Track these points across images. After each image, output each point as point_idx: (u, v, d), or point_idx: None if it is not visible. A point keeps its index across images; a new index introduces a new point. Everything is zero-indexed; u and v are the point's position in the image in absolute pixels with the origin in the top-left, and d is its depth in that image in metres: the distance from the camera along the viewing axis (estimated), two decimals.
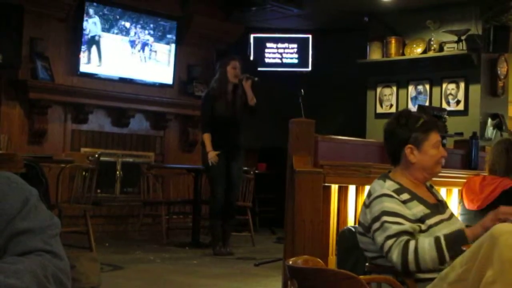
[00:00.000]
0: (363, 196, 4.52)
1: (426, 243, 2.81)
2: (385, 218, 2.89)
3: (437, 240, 2.81)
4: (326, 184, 4.42)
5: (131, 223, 8.99)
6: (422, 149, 3.04)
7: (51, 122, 8.46)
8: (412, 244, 2.81)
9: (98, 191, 8.54)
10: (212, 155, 7.28)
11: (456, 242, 2.80)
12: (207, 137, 7.34)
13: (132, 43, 9.20)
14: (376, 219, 2.93)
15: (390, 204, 2.93)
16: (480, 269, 2.52)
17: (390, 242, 2.84)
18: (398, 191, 3.00)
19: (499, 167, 4.33)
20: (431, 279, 2.80)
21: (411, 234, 2.88)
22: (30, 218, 1.61)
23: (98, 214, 8.53)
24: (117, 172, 9.19)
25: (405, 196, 3.00)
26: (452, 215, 3.16)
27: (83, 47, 8.64)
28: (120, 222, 9.02)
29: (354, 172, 4.55)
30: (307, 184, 4.34)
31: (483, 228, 2.78)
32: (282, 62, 11.11)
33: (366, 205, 3.03)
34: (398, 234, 2.85)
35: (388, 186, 3.02)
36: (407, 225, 2.89)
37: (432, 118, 3.36)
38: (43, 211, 1.66)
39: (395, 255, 2.82)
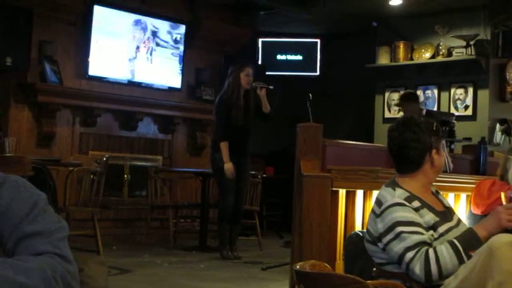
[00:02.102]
0: (371, 201, 4.51)
1: (444, 251, 2.81)
2: (401, 228, 2.88)
3: (452, 245, 2.83)
4: (334, 189, 4.42)
5: (138, 227, 8.99)
6: (439, 151, 3.12)
7: (59, 125, 8.48)
8: (431, 254, 2.81)
9: (106, 194, 8.55)
10: (228, 167, 7.23)
11: (471, 245, 2.83)
12: (224, 147, 7.26)
13: (141, 47, 9.21)
14: (389, 229, 2.92)
15: (403, 214, 2.93)
16: (478, 280, 2.55)
17: (410, 254, 2.83)
18: (409, 199, 3.00)
19: (506, 176, 4.31)
20: (439, 286, 2.81)
21: (429, 244, 2.88)
22: (38, 222, 1.62)
23: (105, 217, 8.53)
24: (125, 176, 9.19)
25: (416, 203, 3.00)
26: (459, 221, 3.16)
27: (92, 51, 8.65)
28: (128, 226, 9.03)
29: (362, 176, 4.54)
30: (315, 188, 4.34)
31: (489, 233, 2.86)
32: (290, 66, 11.11)
33: (377, 215, 3.01)
34: (417, 245, 2.84)
35: (399, 194, 3.01)
36: (426, 235, 2.89)
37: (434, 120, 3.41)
38: (51, 215, 1.67)
39: (418, 268, 2.80)
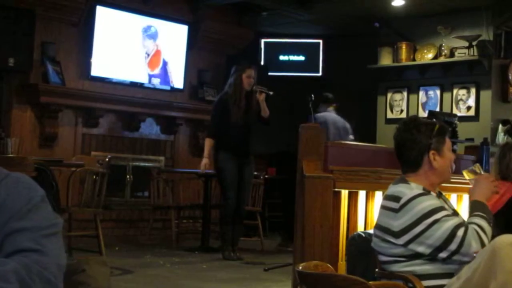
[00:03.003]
0: (373, 202, 4.51)
1: (482, 223, 2.96)
2: (437, 215, 2.93)
3: (482, 216, 2.99)
4: (336, 190, 4.42)
5: (141, 227, 8.99)
6: (442, 153, 3.11)
7: (62, 126, 8.49)
8: (477, 228, 2.92)
9: (108, 195, 8.56)
10: (203, 162, 7.43)
11: (489, 213, 3.04)
12: (208, 142, 7.51)
13: (143, 47, 9.21)
14: (421, 219, 2.92)
15: (432, 201, 2.98)
16: (481, 281, 2.56)
17: (461, 231, 2.89)
18: (426, 190, 3.04)
19: (495, 172, 4.33)
20: (442, 286, 2.81)
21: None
22: (27, 218, 1.62)
23: (108, 218, 8.54)
24: (127, 176, 9.19)
25: (433, 194, 3.07)
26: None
27: (94, 51, 8.66)
28: (130, 226, 9.03)
29: (364, 177, 4.54)
30: (317, 189, 4.33)
31: (486, 200, 3.13)
32: (292, 67, 11.11)
33: (396, 209, 3.00)
34: (462, 223, 2.93)
35: (415, 186, 3.04)
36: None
37: (443, 122, 3.41)
38: (45, 211, 1.67)
39: (474, 242, 2.88)
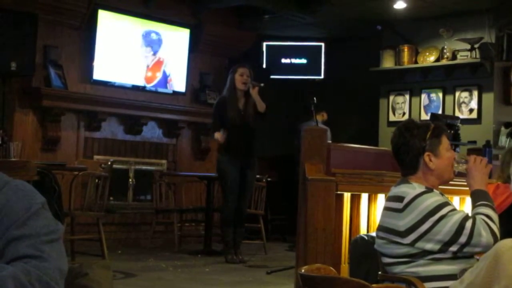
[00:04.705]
0: (376, 204, 4.51)
1: (490, 212, 2.99)
2: (442, 210, 2.95)
3: (487, 205, 3.03)
4: (339, 192, 4.42)
5: (143, 231, 8.99)
6: (438, 154, 3.11)
7: (64, 130, 8.49)
8: (485, 218, 2.95)
9: (111, 198, 8.55)
10: (218, 135, 7.27)
11: (491, 200, 3.10)
12: (217, 133, 7.34)
13: (145, 51, 9.22)
14: (428, 216, 2.94)
15: (437, 198, 3.00)
16: (484, 285, 2.58)
17: (469, 223, 2.92)
18: (429, 189, 3.05)
19: (502, 176, 4.33)
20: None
21: None
22: (27, 225, 1.63)
23: (110, 221, 8.54)
24: (130, 180, 9.19)
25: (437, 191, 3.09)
26: None
27: (96, 55, 8.66)
28: (133, 230, 9.03)
29: (366, 180, 4.54)
30: (320, 192, 4.33)
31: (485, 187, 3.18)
32: (294, 70, 11.11)
33: (399, 209, 3.01)
34: (469, 216, 2.96)
35: (418, 186, 3.06)
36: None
37: (439, 123, 3.41)
38: (45, 218, 1.67)
39: (484, 231, 2.90)
